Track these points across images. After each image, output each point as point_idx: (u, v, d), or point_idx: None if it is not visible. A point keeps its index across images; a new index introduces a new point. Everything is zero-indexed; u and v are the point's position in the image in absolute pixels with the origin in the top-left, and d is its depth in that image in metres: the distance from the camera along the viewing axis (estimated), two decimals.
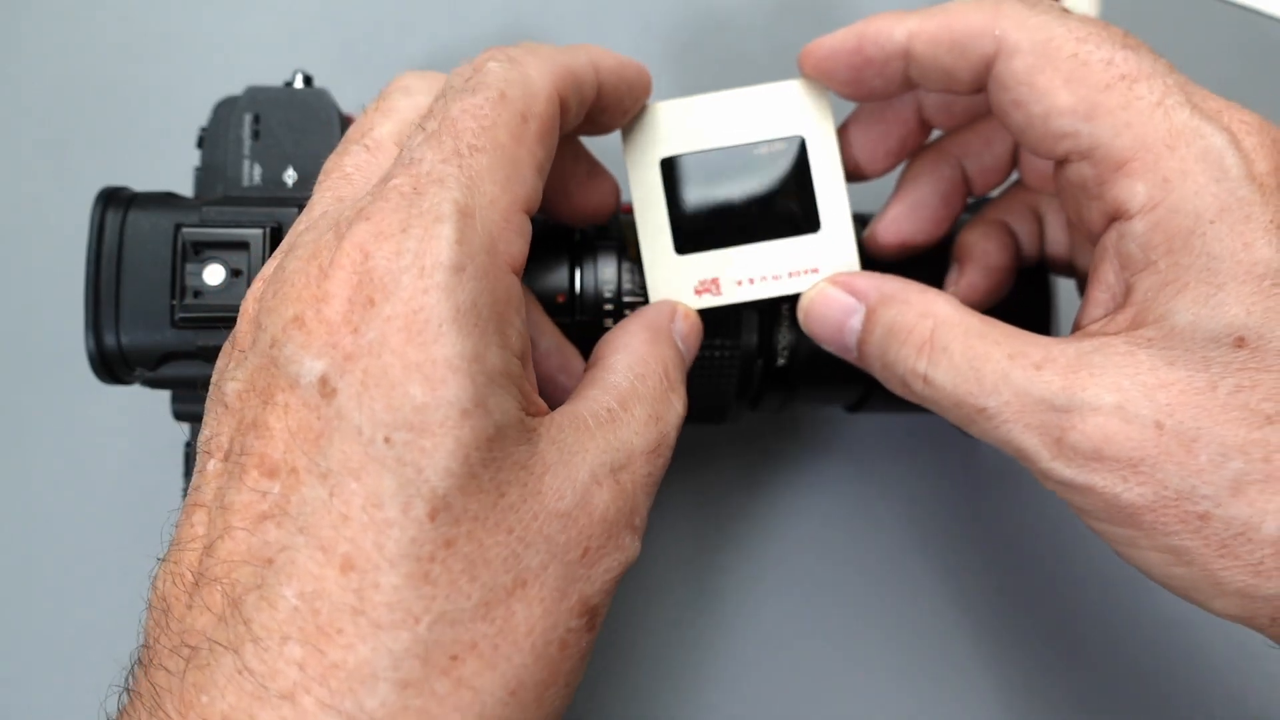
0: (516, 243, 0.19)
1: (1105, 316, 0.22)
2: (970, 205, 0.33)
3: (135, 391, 0.27)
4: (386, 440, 0.17)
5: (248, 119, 0.27)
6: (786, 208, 0.26)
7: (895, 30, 0.23)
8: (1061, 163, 0.22)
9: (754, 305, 0.28)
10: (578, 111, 0.22)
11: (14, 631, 0.34)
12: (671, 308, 0.25)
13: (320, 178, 0.21)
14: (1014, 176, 0.28)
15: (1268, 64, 0.41)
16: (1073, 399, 0.20)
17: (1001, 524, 0.36)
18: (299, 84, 0.28)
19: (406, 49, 0.40)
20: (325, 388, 0.17)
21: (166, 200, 0.25)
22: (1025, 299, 0.29)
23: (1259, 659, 0.34)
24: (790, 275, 0.26)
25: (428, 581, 0.17)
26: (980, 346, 0.22)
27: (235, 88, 0.28)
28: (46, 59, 0.39)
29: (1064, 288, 0.31)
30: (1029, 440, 0.21)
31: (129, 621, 0.19)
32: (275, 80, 0.30)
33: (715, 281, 0.26)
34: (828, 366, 0.29)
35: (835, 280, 0.25)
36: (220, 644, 0.16)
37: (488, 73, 0.20)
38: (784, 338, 0.28)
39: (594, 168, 0.27)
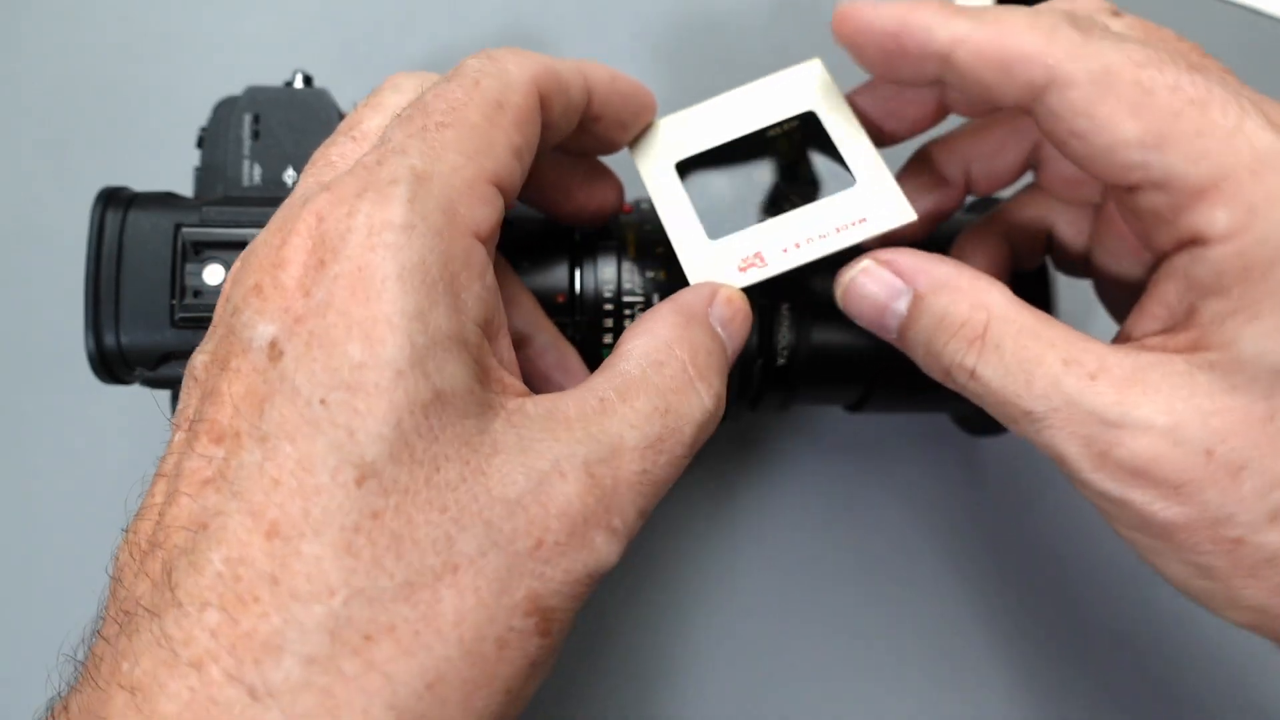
0: (481, 210, 0.19)
1: (1163, 333, 0.21)
2: (972, 205, 0.33)
3: (135, 391, 0.27)
4: (323, 402, 0.16)
5: (248, 119, 0.27)
6: (815, 173, 0.25)
7: (940, 30, 0.21)
8: (1128, 188, 0.21)
9: (754, 304, 0.27)
10: (565, 113, 0.22)
11: (14, 631, 0.34)
12: (711, 290, 0.23)
13: (307, 167, 0.22)
14: (1021, 181, 0.28)
15: (1268, 64, 0.41)
16: (1125, 415, 0.20)
17: (1002, 523, 0.36)
18: (299, 84, 0.29)
19: (406, 49, 0.40)
20: (273, 351, 0.17)
21: (166, 200, 0.25)
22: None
23: (1267, 657, 0.34)
24: (838, 230, 0.24)
25: (349, 553, 0.16)
26: (1034, 348, 0.21)
27: (235, 88, 0.28)
28: (46, 59, 0.39)
29: (1065, 289, 0.31)
30: (1071, 449, 0.20)
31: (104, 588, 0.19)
32: (275, 80, 0.30)
33: (759, 255, 0.24)
34: (828, 366, 0.29)
35: (879, 259, 0.23)
36: (148, 610, 0.16)
37: (465, 67, 0.21)
38: (784, 338, 0.28)
39: (594, 167, 0.26)
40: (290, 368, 0.17)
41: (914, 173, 0.27)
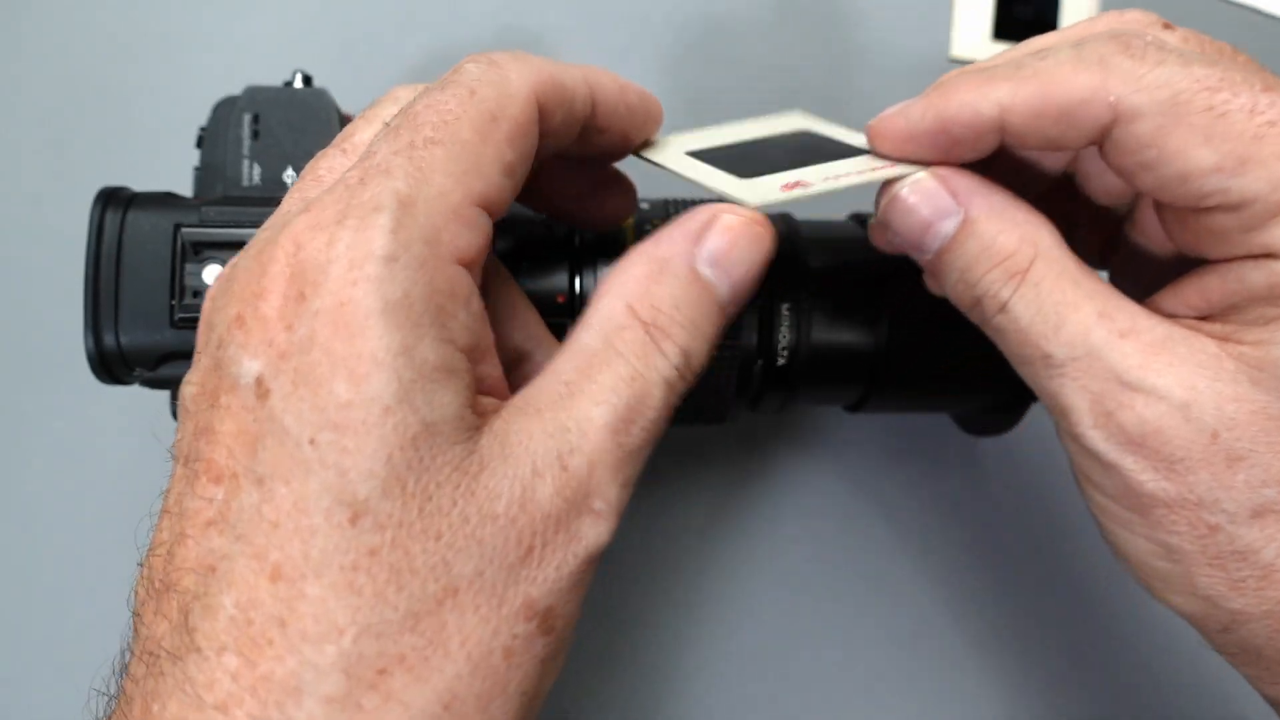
0: (465, 236, 0.18)
1: (1195, 319, 0.21)
2: None
3: (135, 391, 0.27)
4: (312, 442, 0.16)
5: (247, 119, 0.27)
6: (826, 150, 0.24)
7: (982, 105, 0.21)
8: (1185, 213, 0.21)
9: (754, 304, 0.27)
10: (566, 122, 0.21)
11: (14, 632, 0.34)
12: (706, 218, 0.21)
13: (298, 179, 0.21)
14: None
15: (1267, 64, 0.41)
16: (1143, 380, 0.19)
17: (1001, 525, 0.36)
18: (298, 84, 0.29)
19: (406, 49, 0.40)
20: (260, 389, 0.17)
21: (166, 200, 0.25)
22: None
23: None
24: (873, 169, 0.23)
25: (352, 591, 0.16)
26: (1072, 294, 0.20)
27: (235, 88, 0.28)
28: (46, 59, 0.39)
29: None
30: (1079, 401, 0.20)
31: (128, 622, 0.19)
32: (275, 80, 0.30)
33: (799, 182, 0.23)
34: (828, 366, 0.29)
35: (937, 174, 0.22)
36: (169, 652, 0.16)
37: (463, 72, 0.20)
38: (784, 338, 0.28)
39: (607, 174, 0.26)
40: (279, 407, 0.17)
41: None
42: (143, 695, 0.17)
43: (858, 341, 0.28)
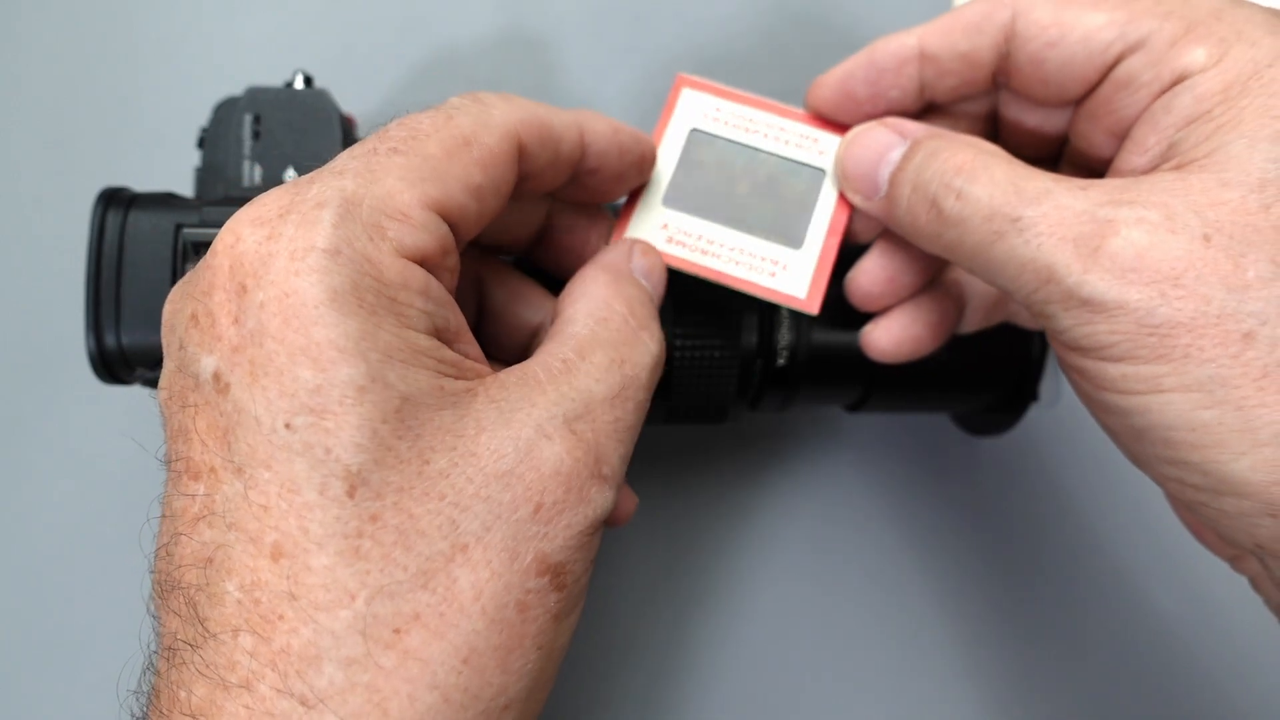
0: (414, 235, 0.18)
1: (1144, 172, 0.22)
2: None
3: (135, 391, 0.27)
4: (287, 426, 0.17)
5: (248, 119, 0.27)
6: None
7: (904, 38, 0.25)
8: (1098, 82, 0.23)
9: (753, 305, 0.28)
10: (553, 164, 0.22)
11: (15, 632, 0.34)
12: (629, 246, 0.24)
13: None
14: None
15: None
16: (1118, 210, 0.20)
17: (1000, 525, 0.36)
18: (299, 84, 0.29)
19: (407, 49, 0.40)
20: (219, 383, 0.17)
21: (167, 200, 0.25)
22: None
23: (1250, 667, 0.34)
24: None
25: (359, 557, 0.17)
26: (1023, 169, 0.22)
27: (235, 88, 0.28)
28: (46, 59, 0.39)
29: None
30: (1060, 254, 0.20)
31: (130, 622, 0.20)
32: (275, 80, 0.30)
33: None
34: (828, 366, 0.29)
35: (884, 122, 0.25)
36: (187, 643, 0.17)
37: (448, 103, 0.21)
38: (784, 338, 0.28)
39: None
40: (243, 398, 0.17)
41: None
42: (169, 686, 0.17)
43: (857, 341, 0.28)
